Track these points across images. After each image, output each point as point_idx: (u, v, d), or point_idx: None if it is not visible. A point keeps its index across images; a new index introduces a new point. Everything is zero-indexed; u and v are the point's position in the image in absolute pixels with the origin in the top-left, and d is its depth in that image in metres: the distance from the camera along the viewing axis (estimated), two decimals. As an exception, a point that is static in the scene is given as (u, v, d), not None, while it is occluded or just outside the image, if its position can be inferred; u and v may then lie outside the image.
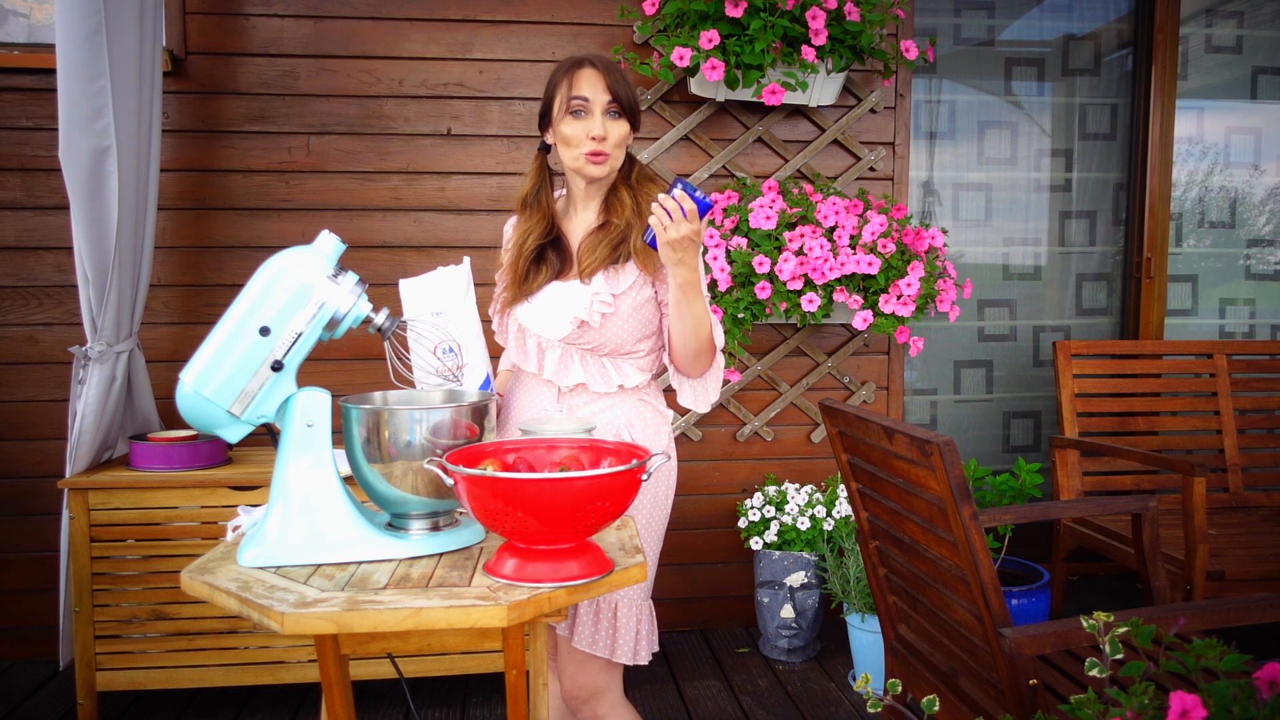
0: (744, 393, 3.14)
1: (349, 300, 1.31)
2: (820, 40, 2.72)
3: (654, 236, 1.48)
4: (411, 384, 1.60)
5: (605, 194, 1.70)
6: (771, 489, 2.96)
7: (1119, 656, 0.98)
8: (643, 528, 1.68)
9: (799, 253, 2.76)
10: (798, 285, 2.75)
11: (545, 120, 1.68)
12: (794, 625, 2.88)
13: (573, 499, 1.13)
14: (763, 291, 2.76)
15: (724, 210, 2.87)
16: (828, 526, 2.83)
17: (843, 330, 3.17)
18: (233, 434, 1.31)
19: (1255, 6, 3.57)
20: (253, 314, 1.28)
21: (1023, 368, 3.60)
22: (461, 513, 1.42)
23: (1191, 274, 3.64)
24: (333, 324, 1.32)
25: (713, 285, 2.79)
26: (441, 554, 1.33)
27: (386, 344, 1.42)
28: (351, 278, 1.33)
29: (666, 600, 3.09)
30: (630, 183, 1.70)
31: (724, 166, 3.07)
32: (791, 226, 2.81)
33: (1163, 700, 0.86)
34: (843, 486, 2.66)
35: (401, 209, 2.96)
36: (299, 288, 1.29)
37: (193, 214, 2.89)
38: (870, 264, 2.73)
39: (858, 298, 2.78)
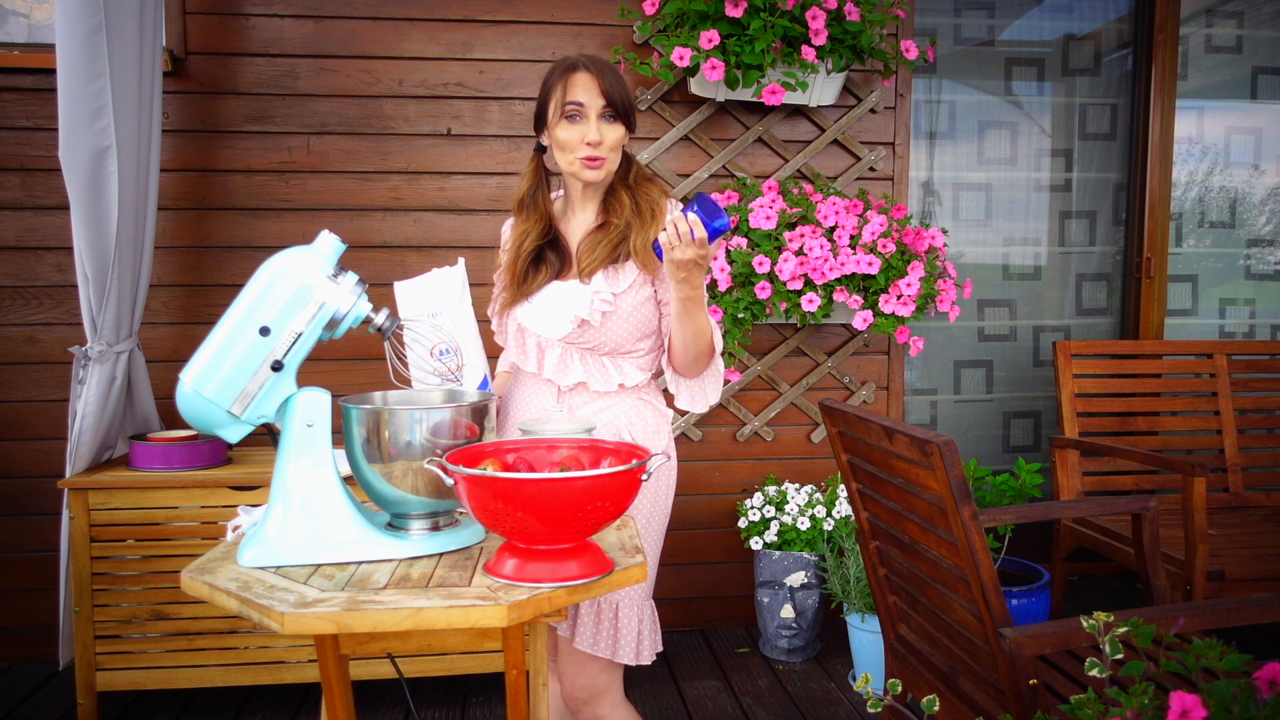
0: (744, 393, 3.14)
1: (349, 300, 1.31)
2: (820, 40, 2.72)
3: (655, 243, 1.48)
4: (410, 384, 1.60)
5: (603, 195, 1.70)
6: (771, 489, 2.96)
7: (1119, 656, 0.98)
8: (643, 528, 1.68)
9: (799, 253, 2.76)
10: (798, 285, 2.75)
11: (540, 122, 1.68)
12: (794, 625, 2.88)
13: (573, 499, 1.13)
14: (763, 291, 2.76)
15: (724, 211, 2.87)
16: (828, 526, 2.83)
17: (843, 330, 3.17)
18: (233, 434, 1.31)
19: (1255, 6, 3.57)
20: (253, 314, 1.28)
21: (1023, 368, 3.60)
22: (461, 513, 1.42)
23: (1191, 274, 3.64)
24: (333, 324, 1.32)
25: (713, 285, 2.79)
26: (441, 554, 1.33)
27: (386, 344, 1.42)
28: (351, 278, 1.33)
29: (666, 600, 3.09)
30: (628, 183, 1.70)
31: (724, 166, 3.07)
32: (791, 226, 2.81)
33: (1163, 700, 0.86)
34: (843, 486, 2.66)
35: (401, 209, 2.96)
36: (299, 288, 1.29)
37: (193, 214, 2.89)
38: (870, 264, 2.73)
39: (858, 298, 2.78)
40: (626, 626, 1.64)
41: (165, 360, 2.81)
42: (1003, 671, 1.54)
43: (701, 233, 1.42)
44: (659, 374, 1.76)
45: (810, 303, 2.76)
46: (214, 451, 2.51)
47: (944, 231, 2.91)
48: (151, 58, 2.53)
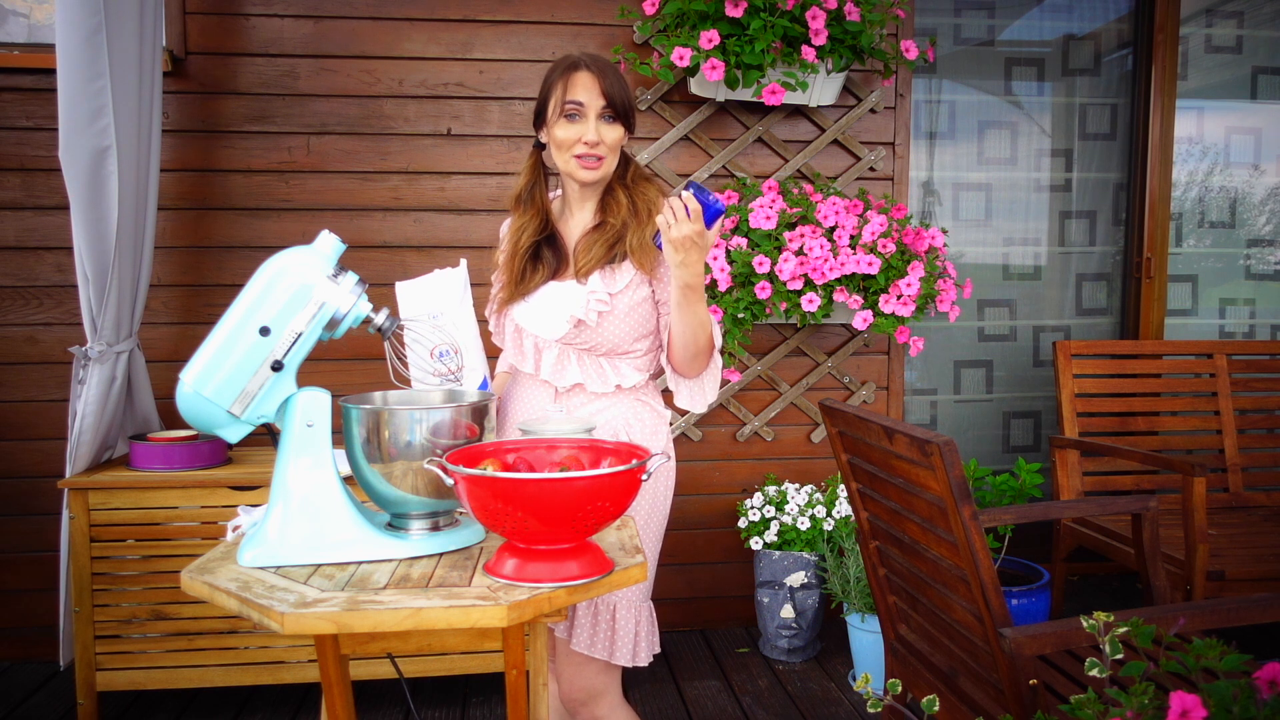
0: (744, 393, 3.14)
1: (349, 300, 1.31)
2: (820, 40, 2.72)
3: (657, 235, 1.48)
4: (409, 384, 1.60)
5: (601, 194, 1.70)
6: (771, 489, 2.96)
7: (1119, 656, 0.98)
8: (641, 528, 1.68)
9: (799, 253, 2.76)
10: (798, 285, 2.75)
11: (540, 120, 1.68)
12: (794, 625, 2.88)
13: (573, 499, 1.13)
14: (763, 291, 2.76)
15: (724, 211, 2.87)
16: (828, 526, 2.83)
17: (843, 330, 3.17)
18: (233, 434, 1.31)
19: (1255, 6, 3.57)
20: (253, 314, 1.28)
21: (1023, 368, 3.60)
22: (461, 513, 1.42)
23: (1191, 274, 3.64)
24: (333, 324, 1.32)
25: (713, 285, 2.79)
26: (441, 554, 1.32)
27: (386, 344, 1.42)
28: (351, 278, 1.33)
29: (666, 600, 3.09)
30: (626, 183, 1.70)
31: (724, 166, 3.07)
32: (791, 226, 2.81)
33: (1163, 700, 0.86)
34: (843, 486, 2.66)
35: (401, 209, 2.96)
36: (299, 288, 1.29)
37: (193, 214, 2.89)
38: (870, 264, 2.73)
39: (858, 298, 2.78)
40: (624, 628, 1.64)
41: (165, 360, 2.82)
42: (1003, 671, 1.54)
43: (696, 206, 1.44)
44: (657, 374, 1.76)
45: (810, 303, 2.76)
46: (214, 451, 2.51)
47: (944, 231, 2.91)
48: (151, 58, 2.53)
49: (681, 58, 2.69)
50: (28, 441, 2.86)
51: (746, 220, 2.81)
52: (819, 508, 2.86)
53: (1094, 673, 0.99)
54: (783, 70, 2.76)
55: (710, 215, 1.46)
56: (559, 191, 1.78)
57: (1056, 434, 3.09)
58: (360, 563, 1.28)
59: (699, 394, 1.69)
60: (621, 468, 1.16)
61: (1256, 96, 3.62)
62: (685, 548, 3.14)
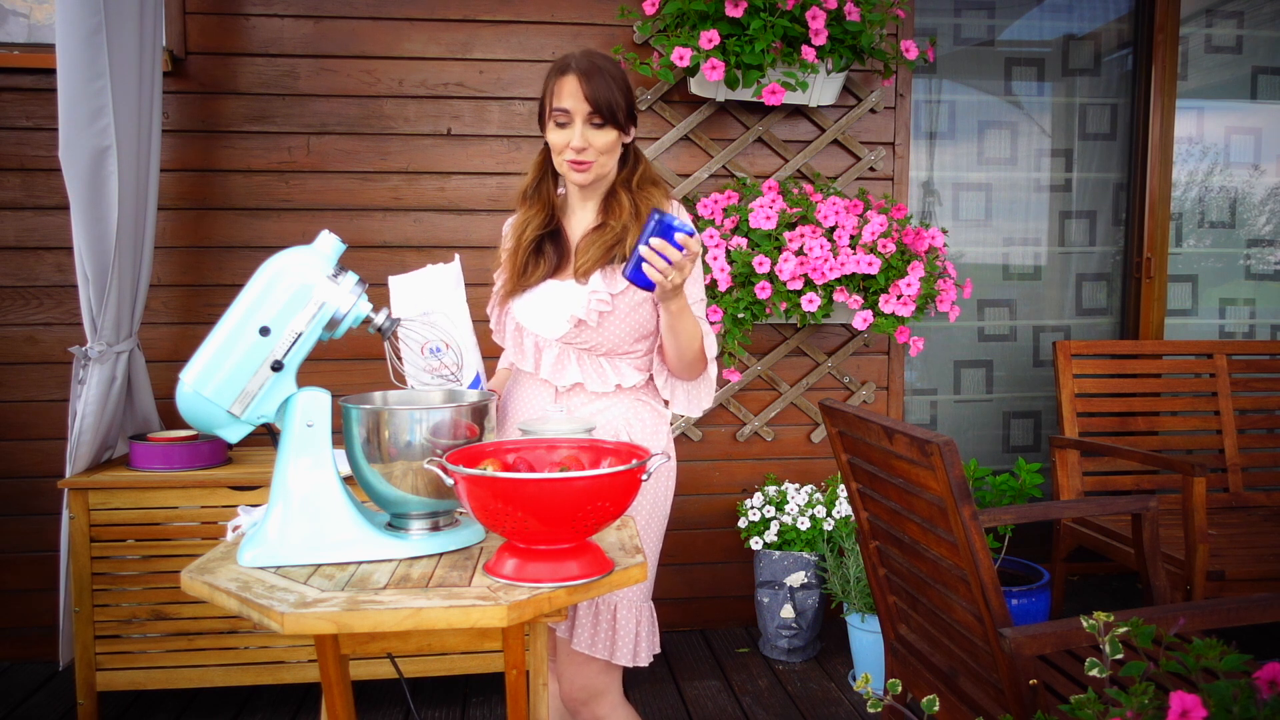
0: (744, 393, 3.14)
1: (349, 300, 1.31)
2: (820, 40, 2.72)
3: (634, 272, 1.46)
4: (406, 382, 1.59)
5: (604, 195, 1.70)
6: (771, 489, 2.96)
7: (1119, 656, 0.98)
8: (642, 528, 1.68)
9: (799, 253, 2.76)
10: (798, 285, 2.75)
11: (541, 120, 1.68)
12: (794, 625, 2.88)
13: (573, 499, 1.13)
14: (763, 291, 2.76)
15: (724, 210, 2.87)
16: (828, 526, 2.83)
17: (843, 330, 3.17)
18: (233, 434, 1.31)
19: (1255, 6, 3.57)
20: (253, 314, 1.28)
21: (1023, 368, 3.60)
22: (461, 513, 1.42)
23: (1191, 274, 3.64)
24: (333, 324, 1.32)
25: (713, 285, 2.79)
26: (441, 554, 1.33)
27: (386, 344, 1.42)
28: (351, 278, 1.33)
29: (666, 600, 3.09)
30: (631, 186, 1.69)
31: (724, 166, 3.07)
32: (791, 226, 2.81)
33: (1163, 700, 0.86)
34: (843, 486, 2.66)
35: (401, 209, 2.96)
36: (299, 288, 1.29)
37: (193, 214, 2.89)
38: (870, 264, 2.73)
39: (858, 298, 2.78)
40: (625, 628, 1.64)
41: (165, 360, 2.81)
42: (1003, 671, 1.54)
43: (675, 254, 1.42)
44: (659, 374, 1.76)
45: (810, 303, 2.76)
46: (214, 451, 2.51)
47: (944, 231, 2.91)
48: (151, 58, 2.53)
49: (681, 58, 2.69)
50: (28, 441, 2.86)
51: (746, 220, 2.81)
52: (819, 508, 2.86)
53: (1094, 673, 0.99)
54: (783, 70, 2.76)
55: (674, 232, 1.43)
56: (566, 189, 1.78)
57: (1056, 434, 3.09)
58: (360, 563, 1.28)
59: (694, 399, 1.70)
60: (621, 468, 1.16)
61: (1256, 96, 3.62)
62: (685, 548, 3.14)
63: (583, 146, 1.59)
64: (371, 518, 1.35)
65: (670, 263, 1.42)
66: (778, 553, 2.87)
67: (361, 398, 1.40)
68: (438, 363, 1.59)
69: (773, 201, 2.80)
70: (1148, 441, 3.15)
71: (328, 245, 1.33)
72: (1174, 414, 3.17)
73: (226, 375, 1.27)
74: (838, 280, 2.78)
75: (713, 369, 1.69)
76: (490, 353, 1.85)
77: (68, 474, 2.46)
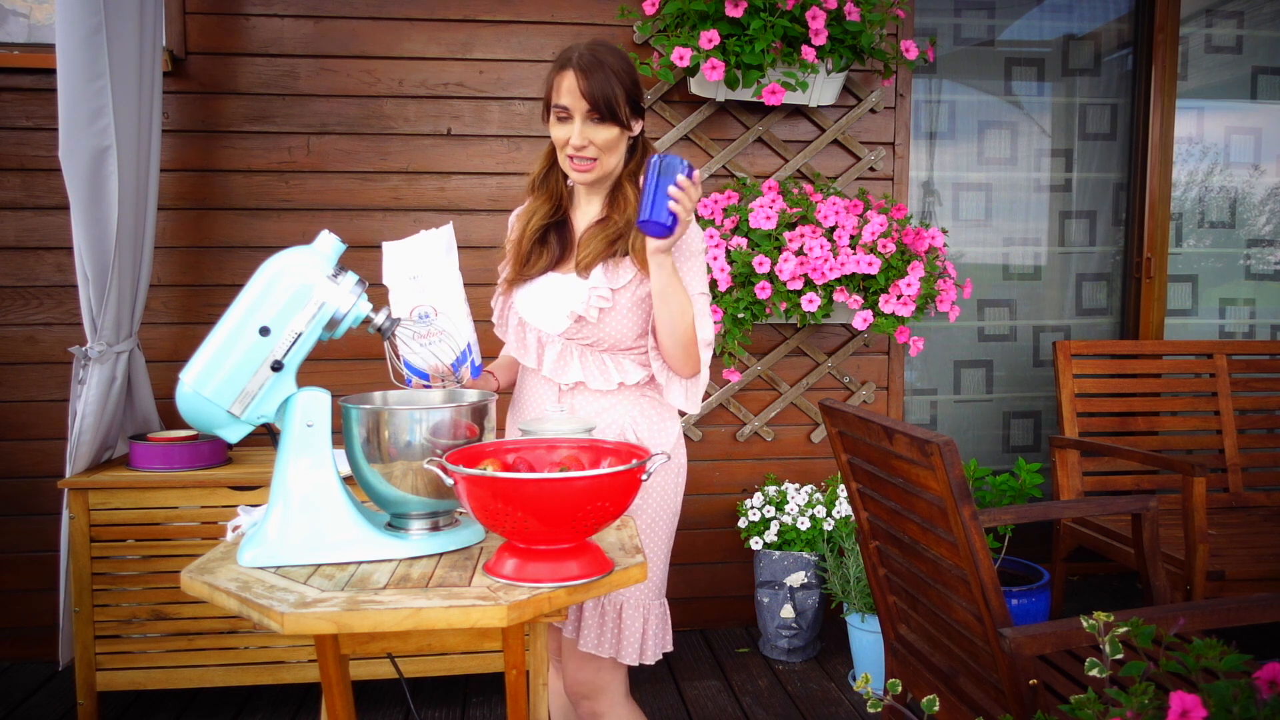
0: (744, 393, 3.14)
1: (349, 300, 1.31)
2: (820, 40, 2.72)
3: (648, 220, 1.47)
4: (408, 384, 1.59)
5: (610, 188, 1.69)
6: (771, 489, 2.96)
7: (1119, 656, 0.98)
8: (650, 525, 1.68)
9: (799, 253, 2.76)
10: (798, 285, 2.75)
11: (546, 114, 1.67)
12: (794, 625, 2.88)
13: (573, 499, 1.13)
14: (763, 291, 2.76)
15: (724, 210, 2.87)
16: (828, 526, 2.83)
17: (843, 330, 3.16)
18: (233, 434, 1.31)
19: (1255, 6, 3.57)
20: (252, 314, 1.28)
21: (1023, 368, 3.60)
22: (461, 513, 1.42)
23: (1191, 274, 3.64)
24: (333, 324, 1.32)
25: (713, 285, 2.79)
26: (441, 554, 1.33)
27: (386, 344, 1.42)
28: (351, 278, 1.33)
29: (667, 600, 3.08)
30: (637, 178, 1.68)
31: (724, 166, 3.07)
32: (791, 226, 2.81)
33: (1163, 700, 0.86)
34: (843, 486, 2.66)
35: (401, 209, 2.96)
36: (299, 288, 1.29)
37: (193, 214, 2.89)
38: (870, 264, 2.73)
39: (858, 298, 2.78)
40: (630, 628, 1.64)
41: (165, 360, 2.81)
42: (1003, 671, 1.54)
43: (686, 183, 1.47)
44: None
45: (810, 303, 2.76)
46: (214, 451, 2.51)
47: (944, 231, 2.91)
48: (151, 58, 2.53)
49: (681, 58, 2.69)
50: (28, 441, 2.86)
51: (746, 220, 2.81)
52: (819, 508, 2.85)
53: (1094, 673, 0.99)
54: (783, 70, 2.76)
55: (680, 171, 1.49)
56: None
57: (1056, 434, 3.09)
58: (360, 563, 1.28)
59: (692, 392, 1.68)
60: (621, 468, 1.16)
61: (1256, 96, 3.62)
62: (685, 548, 3.13)
63: (583, 144, 1.59)
64: (371, 518, 1.35)
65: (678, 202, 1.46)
66: (778, 553, 2.87)
67: (361, 398, 1.40)
68: (426, 329, 1.56)
69: (773, 201, 2.80)
70: (1148, 441, 3.15)
71: (328, 245, 1.33)
72: (1174, 414, 3.17)
73: (226, 375, 1.27)
74: (838, 280, 2.78)
75: (705, 354, 1.66)
76: (488, 353, 1.84)
77: (68, 474, 2.46)
